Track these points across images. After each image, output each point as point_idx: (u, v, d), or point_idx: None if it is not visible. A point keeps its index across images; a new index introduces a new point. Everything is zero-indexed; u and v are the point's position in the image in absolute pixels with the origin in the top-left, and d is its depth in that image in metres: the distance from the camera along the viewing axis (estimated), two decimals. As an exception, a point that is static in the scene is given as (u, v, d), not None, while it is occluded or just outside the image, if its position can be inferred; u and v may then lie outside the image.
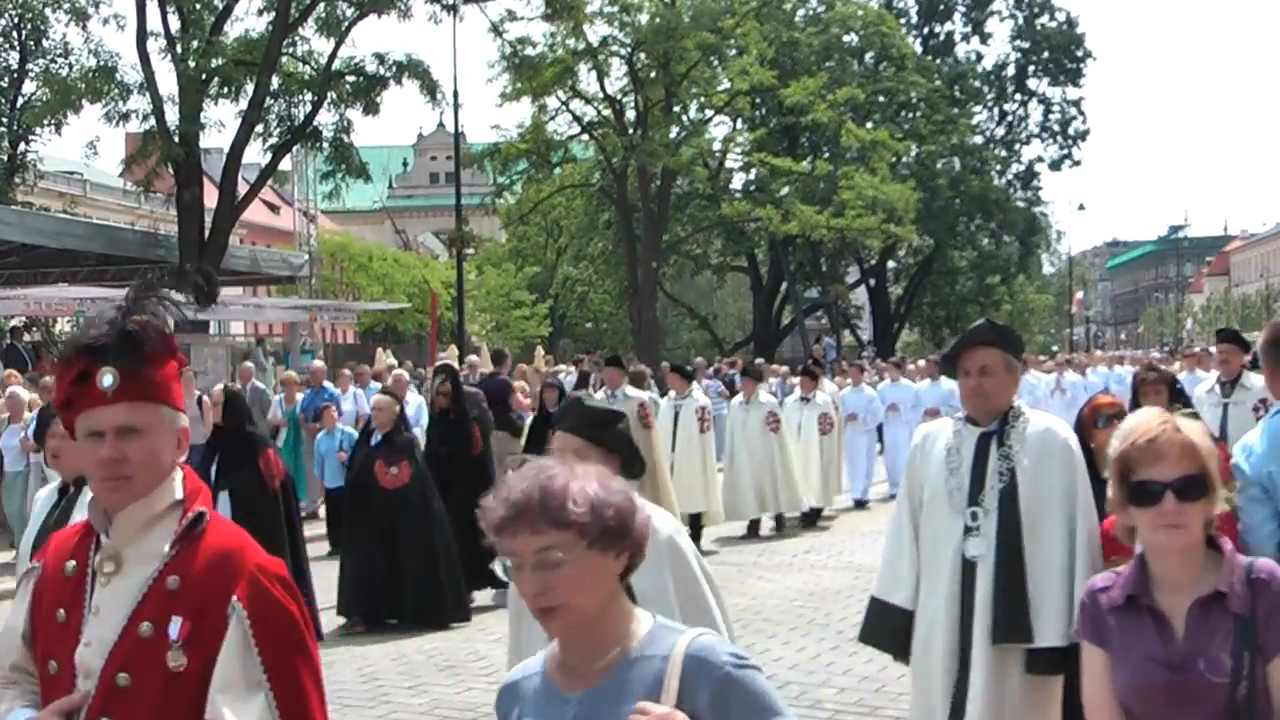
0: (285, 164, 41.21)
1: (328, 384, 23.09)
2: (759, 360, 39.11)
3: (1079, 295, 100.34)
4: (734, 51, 53.57)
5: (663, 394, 21.39)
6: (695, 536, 18.05)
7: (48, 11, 36.17)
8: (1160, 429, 3.94)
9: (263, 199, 50.18)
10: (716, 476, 19.90)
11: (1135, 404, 8.02)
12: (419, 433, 17.30)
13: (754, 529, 20.53)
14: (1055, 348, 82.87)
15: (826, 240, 55.46)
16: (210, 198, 34.48)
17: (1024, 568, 6.10)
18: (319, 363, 24.68)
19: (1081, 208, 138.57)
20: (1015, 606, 6.14)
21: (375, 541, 13.99)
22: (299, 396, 22.99)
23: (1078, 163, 72.47)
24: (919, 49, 68.15)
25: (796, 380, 26.09)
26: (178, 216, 33.86)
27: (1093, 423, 7.07)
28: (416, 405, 20.84)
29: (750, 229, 60.09)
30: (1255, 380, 11.99)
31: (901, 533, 6.53)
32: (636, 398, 19.41)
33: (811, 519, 21.60)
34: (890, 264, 71.67)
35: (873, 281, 71.38)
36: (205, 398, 18.11)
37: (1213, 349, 17.98)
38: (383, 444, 14.29)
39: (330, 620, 13.56)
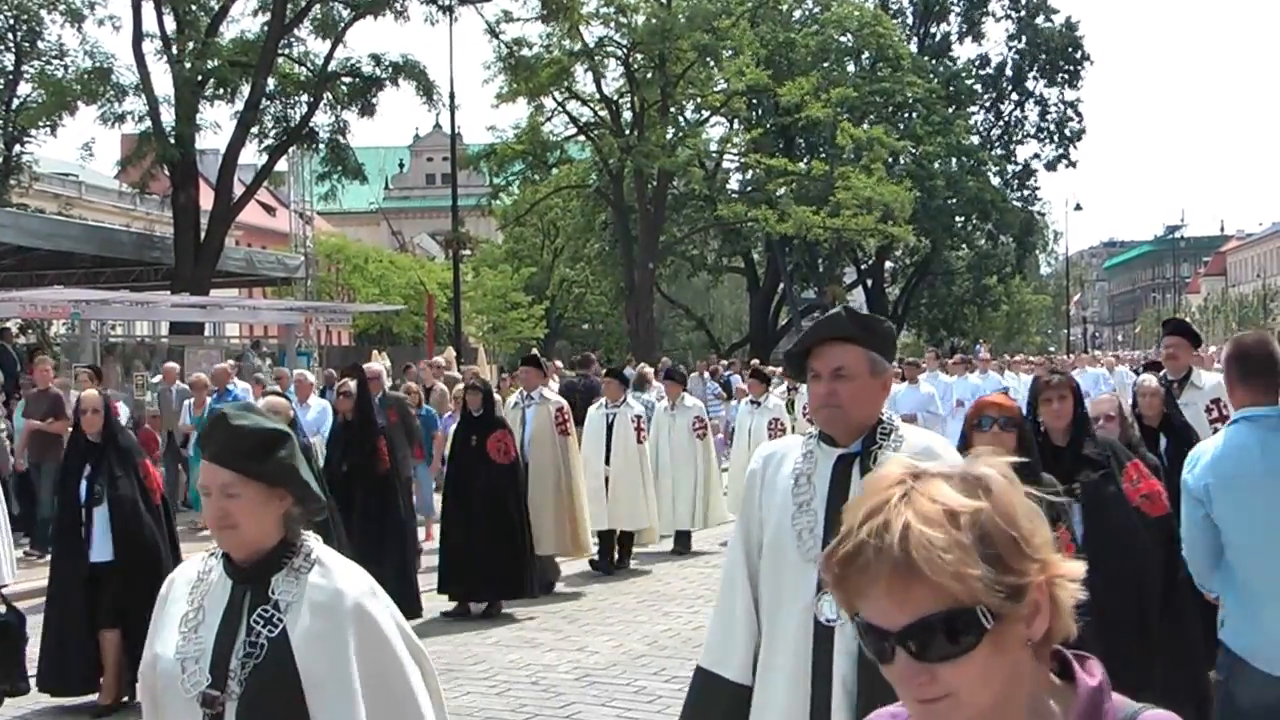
0: (281, 165, 41.27)
1: (233, 385, 21.04)
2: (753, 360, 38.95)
3: (1077, 297, 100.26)
4: (729, 52, 53.50)
5: (659, 400, 20.91)
6: (625, 555, 17.43)
7: (43, 13, 36.06)
8: (874, 520, 1.96)
9: (258, 200, 50.12)
10: (651, 491, 17.90)
11: (1034, 412, 7.25)
12: (318, 442, 16.22)
13: (684, 541, 18.94)
14: (1052, 348, 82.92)
15: (823, 241, 55.42)
16: (206, 199, 34.49)
17: None
18: (223, 364, 22.58)
19: (1078, 208, 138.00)
20: (884, 686, 4.48)
21: None
22: (209, 401, 20.31)
23: (1074, 163, 72.47)
24: (915, 50, 68.14)
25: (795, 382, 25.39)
26: (173, 218, 33.84)
27: (975, 424, 6.34)
28: (319, 410, 18.68)
29: (746, 230, 60.08)
30: (1207, 379, 10.85)
31: (735, 586, 4.94)
32: (694, 407, 19.47)
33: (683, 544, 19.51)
34: (887, 265, 71.64)
35: (869, 282, 71.33)
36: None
37: (1212, 349, 16.28)
38: None
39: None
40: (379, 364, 19.71)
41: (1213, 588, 6.40)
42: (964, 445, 6.13)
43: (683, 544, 18.87)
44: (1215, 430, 8.18)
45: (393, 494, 13.84)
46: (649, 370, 25.61)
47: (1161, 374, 10.84)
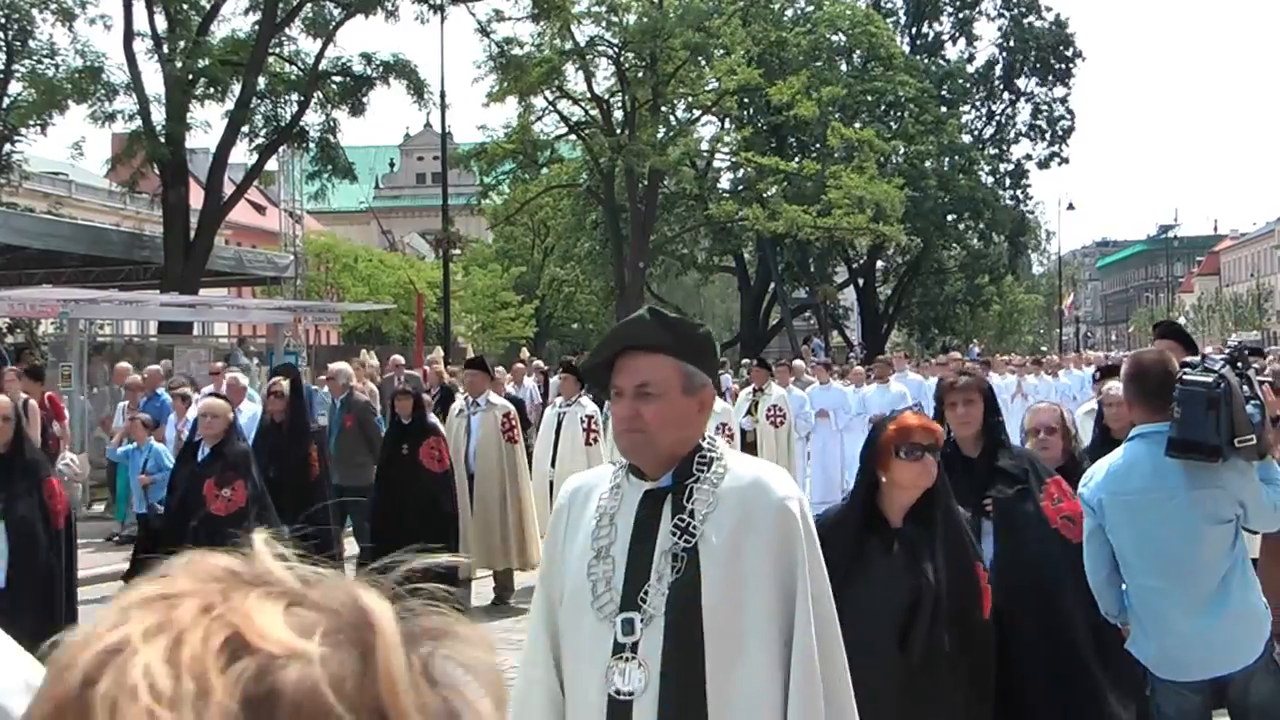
0: (271, 164, 41.14)
1: (161, 390, 18.95)
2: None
3: (1070, 299, 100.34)
4: (721, 51, 53.47)
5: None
6: None
7: (34, 11, 35.95)
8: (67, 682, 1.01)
9: (248, 199, 50.05)
10: None
11: (940, 418, 6.64)
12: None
13: None
14: (1044, 348, 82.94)
15: (814, 240, 55.45)
16: (196, 198, 34.41)
17: (705, 711, 3.81)
18: (155, 366, 20.92)
19: (1071, 207, 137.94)
20: None
21: None
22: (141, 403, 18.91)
23: (1066, 160, 72.47)
24: (907, 49, 68.18)
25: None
26: (163, 217, 33.78)
27: (894, 451, 5.37)
28: (250, 415, 16.66)
29: (737, 229, 60.09)
30: None
31: (536, 646, 4.13)
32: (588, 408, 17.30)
33: None
34: (879, 264, 71.62)
35: (861, 281, 71.33)
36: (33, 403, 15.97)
37: (1208, 349, 15.50)
38: (212, 459, 11.60)
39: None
40: (344, 365, 18.40)
41: (1112, 608, 6.55)
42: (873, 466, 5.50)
43: None
44: None
45: (322, 502, 12.90)
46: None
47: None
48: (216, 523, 11.13)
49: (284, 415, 13.10)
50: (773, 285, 66.25)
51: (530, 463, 16.16)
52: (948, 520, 5.47)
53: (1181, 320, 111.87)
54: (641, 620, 3.85)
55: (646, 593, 3.86)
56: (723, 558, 3.86)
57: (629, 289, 53.26)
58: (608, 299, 62.28)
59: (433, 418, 14.63)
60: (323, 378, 18.71)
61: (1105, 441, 8.32)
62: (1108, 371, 11.25)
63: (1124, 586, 6.53)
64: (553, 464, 15.89)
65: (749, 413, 20.32)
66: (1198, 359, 6.97)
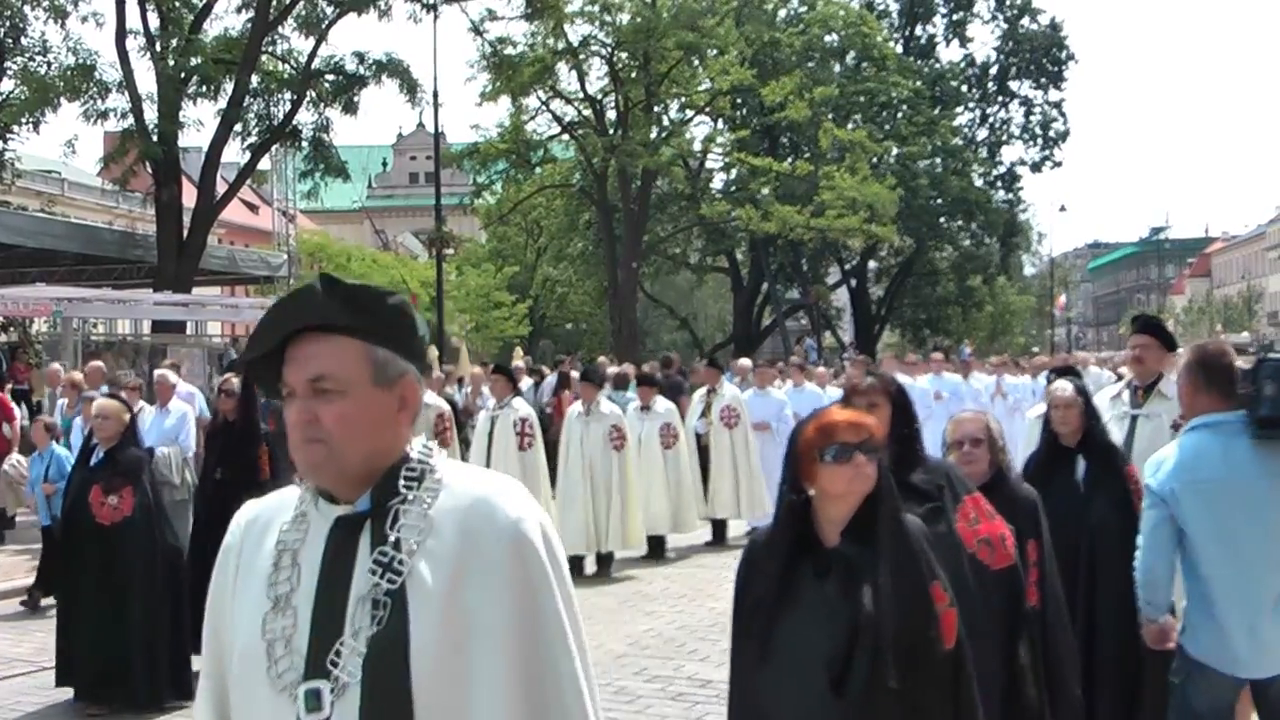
0: (264, 163, 41.12)
1: (105, 389, 16.48)
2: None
3: (1061, 299, 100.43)
4: (714, 51, 53.45)
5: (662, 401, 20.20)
6: None
7: (26, 9, 35.87)
8: None
9: (241, 198, 50.01)
10: (550, 503, 16.13)
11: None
12: (174, 452, 14.56)
13: (606, 563, 17.18)
14: (1036, 349, 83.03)
15: (807, 240, 55.44)
16: (189, 197, 34.40)
17: None
18: (97, 363, 19.78)
19: (1063, 209, 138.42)
20: None
21: (91, 594, 10.81)
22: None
23: (1058, 164, 72.57)
24: (900, 50, 68.19)
25: (780, 376, 23.86)
26: (156, 216, 33.74)
27: (818, 455, 4.57)
28: (179, 415, 15.46)
29: (730, 229, 60.08)
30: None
31: None
32: (611, 414, 17.24)
33: (657, 550, 18.27)
34: (871, 265, 71.67)
35: (854, 282, 71.37)
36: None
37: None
38: (105, 463, 10.97)
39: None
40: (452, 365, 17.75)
41: (1162, 601, 6.51)
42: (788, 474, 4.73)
43: (604, 566, 17.12)
44: None
45: None
46: (629, 369, 25.35)
47: (1127, 379, 9.46)
48: (103, 533, 10.75)
49: (235, 414, 12.25)
50: (765, 286, 66.32)
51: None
52: (894, 534, 4.56)
53: (1171, 322, 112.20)
54: (332, 691, 2.86)
55: (339, 653, 2.87)
56: (439, 602, 2.87)
57: (622, 289, 53.28)
58: (601, 299, 62.33)
59: None
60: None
61: (1052, 449, 7.82)
62: (1063, 371, 10.54)
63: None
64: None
65: (702, 414, 19.73)
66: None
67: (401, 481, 2.98)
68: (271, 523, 3.09)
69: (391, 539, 2.92)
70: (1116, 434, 8.61)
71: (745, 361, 24.74)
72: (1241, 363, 6.87)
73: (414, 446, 3.06)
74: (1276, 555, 6.24)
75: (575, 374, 22.34)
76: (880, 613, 4.40)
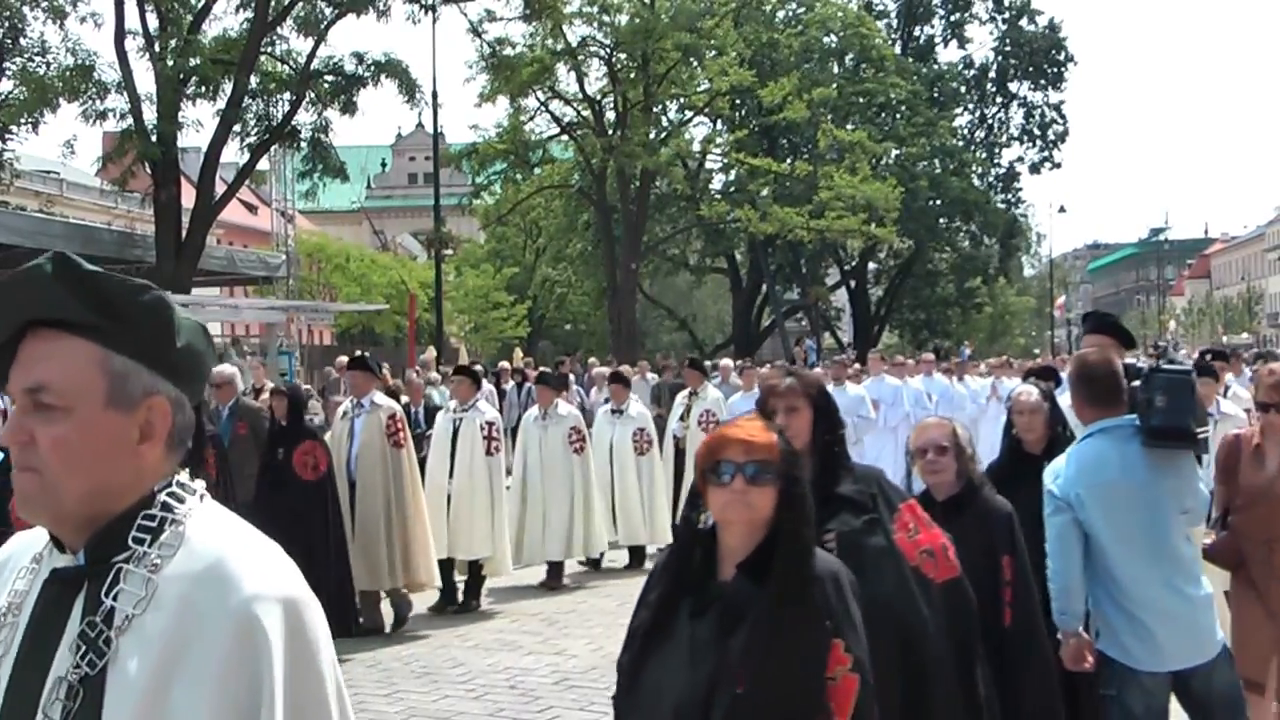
0: (263, 164, 41.11)
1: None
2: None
3: (1061, 300, 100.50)
4: (713, 52, 53.45)
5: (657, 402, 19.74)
6: (473, 592, 14.88)
7: (25, 9, 35.84)
8: None
9: (240, 199, 49.95)
10: (503, 512, 15.09)
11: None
12: None
13: (556, 573, 16.29)
14: (1037, 351, 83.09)
15: (806, 241, 55.43)
16: (187, 197, 34.35)
17: None
18: None
19: (1062, 210, 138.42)
20: None
21: None
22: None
23: (1058, 165, 72.43)
24: (899, 51, 68.18)
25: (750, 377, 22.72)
26: (155, 216, 33.71)
27: (711, 473, 4.01)
28: None
29: (729, 230, 60.07)
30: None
31: None
32: (569, 416, 16.53)
33: (636, 561, 17.36)
34: (871, 266, 71.64)
35: (853, 283, 71.37)
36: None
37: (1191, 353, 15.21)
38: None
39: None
40: (233, 367, 16.24)
41: (1077, 608, 6.52)
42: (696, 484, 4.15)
43: (554, 578, 16.17)
44: None
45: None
46: (628, 370, 25.16)
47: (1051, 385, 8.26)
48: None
49: None
50: (765, 287, 66.30)
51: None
52: (791, 576, 3.90)
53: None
54: None
55: None
56: (137, 700, 2.20)
57: (621, 290, 53.27)
58: (600, 300, 62.31)
59: (313, 421, 13.24)
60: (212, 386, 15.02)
61: (1016, 457, 7.34)
62: (1042, 373, 10.07)
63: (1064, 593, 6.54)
64: (450, 475, 14.62)
65: (681, 418, 19.03)
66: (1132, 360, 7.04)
67: (133, 532, 2.32)
68: (18, 568, 2.46)
69: (105, 607, 2.26)
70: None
71: (726, 362, 24.16)
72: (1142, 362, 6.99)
73: (166, 486, 2.39)
74: (1178, 545, 6.44)
75: (569, 371, 21.87)
76: (749, 672, 3.78)
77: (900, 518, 5.07)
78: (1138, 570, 6.37)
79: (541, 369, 25.56)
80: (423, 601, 14.39)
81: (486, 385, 22.83)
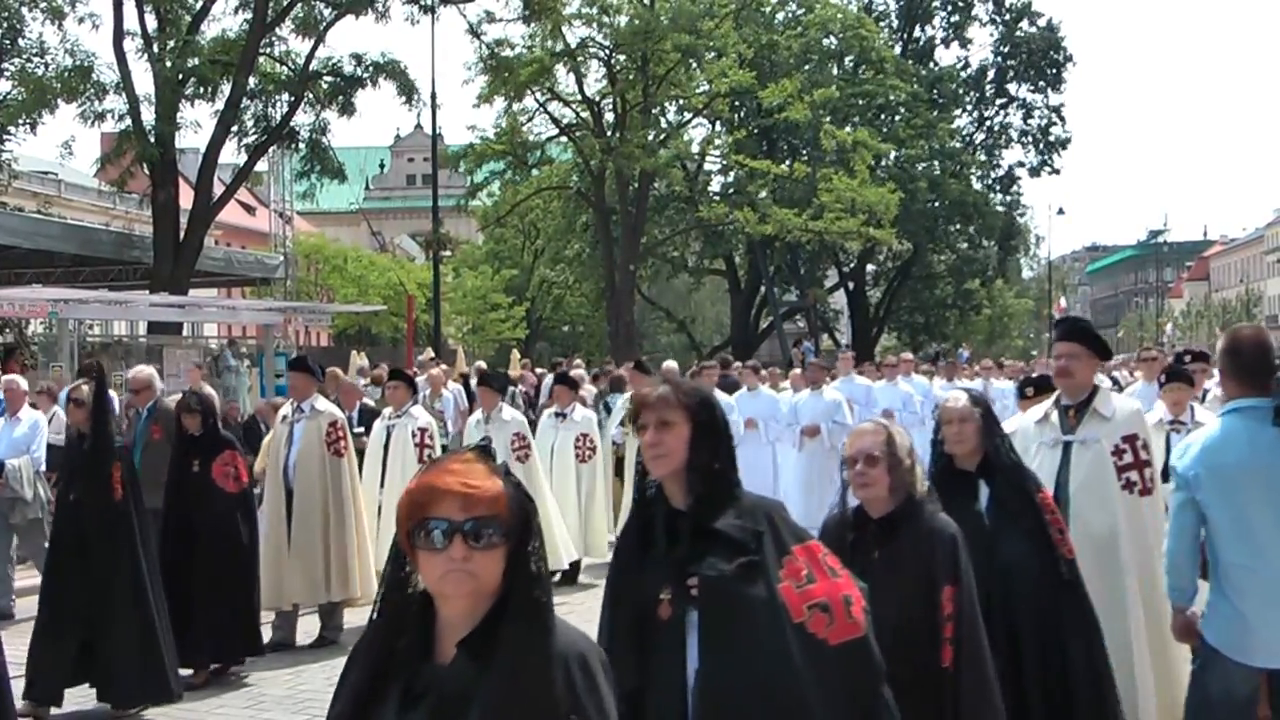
0: (261, 165, 41.09)
1: None
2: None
3: (1061, 303, 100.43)
4: (712, 53, 53.40)
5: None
6: None
7: (24, 10, 35.85)
8: None
9: (238, 200, 49.92)
10: None
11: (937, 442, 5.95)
12: (23, 463, 13.83)
13: None
14: (1034, 352, 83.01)
15: (805, 243, 55.42)
16: (185, 198, 34.35)
17: None
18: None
19: (1061, 212, 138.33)
20: None
21: None
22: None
23: (1057, 170, 72.33)
24: (899, 53, 68.13)
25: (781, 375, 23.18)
26: (153, 217, 33.73)
27: (420, 532, 3.08)
28: (30, 424, 14.56)
29: (728, 231, 60.02)
30: (1119, 405, 7.85)
31: None
32: (513, 421, 15.51)
33: (570, 575, 16.18)
34: (869, 267, 71.60)
35: (851, 285, 71.32)
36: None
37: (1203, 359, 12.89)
38: None
39: None
40: (150, 369, 15.35)
41: (1187, 586, 6.48)
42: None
43: None
44: (1128, 488, 7.55)
45: (127, 532, 10.39)
46: (624, 373, 24.84)
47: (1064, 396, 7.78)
48: None
49: (87, 426, 10.67)
50: (763, 288, 66.23)
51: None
52: (523, 654, 3.08)
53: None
54: None
55: None
56: None
57: (619, 291, 53.21)
58: (598, 301, 62.29)
59: (226, 432, 12.73)
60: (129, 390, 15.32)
61: (948, 473, 6.40)
62: (1039, 384, 9.76)
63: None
64: (381, 484, 14.21)
65: (622, 422, 17.97)
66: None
67: None
68: None
69: None
70: (1048, 465, 7.46)
71: (671, 364, 23.40)
72: None
73: None
74: None
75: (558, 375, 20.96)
76: None
77: (792, 563, 4.23)
78: (1246, 558, 6.14)
79: (479, 367, 24.80)
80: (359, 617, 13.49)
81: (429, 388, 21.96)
